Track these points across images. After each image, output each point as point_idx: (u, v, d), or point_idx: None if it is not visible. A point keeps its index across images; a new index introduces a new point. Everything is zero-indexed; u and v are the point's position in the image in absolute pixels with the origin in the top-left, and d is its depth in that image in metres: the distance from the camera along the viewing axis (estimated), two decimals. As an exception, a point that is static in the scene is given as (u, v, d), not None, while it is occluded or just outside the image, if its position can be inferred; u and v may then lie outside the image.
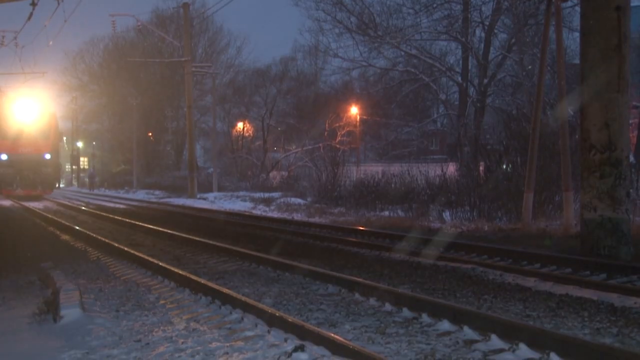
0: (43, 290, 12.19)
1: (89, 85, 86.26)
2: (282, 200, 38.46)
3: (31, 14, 25.92)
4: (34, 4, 25.50)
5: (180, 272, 12.92)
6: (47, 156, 47.75)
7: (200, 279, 12.06)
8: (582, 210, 15.65)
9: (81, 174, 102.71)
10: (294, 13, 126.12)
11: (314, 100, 66.70)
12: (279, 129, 68.42)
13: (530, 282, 12.52)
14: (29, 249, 18.14)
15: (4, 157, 46.83)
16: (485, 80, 46.54)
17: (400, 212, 28.50)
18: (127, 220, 26.27)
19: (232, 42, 78.98)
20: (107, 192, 67.30)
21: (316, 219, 27.64)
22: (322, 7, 50.19)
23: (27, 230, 23.81)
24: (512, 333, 8.22)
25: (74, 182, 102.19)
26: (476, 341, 8.30)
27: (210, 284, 11.60)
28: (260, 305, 9.81)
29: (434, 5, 46.95)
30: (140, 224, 23.98)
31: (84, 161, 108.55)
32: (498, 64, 47.50)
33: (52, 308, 9.99)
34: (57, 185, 51.09)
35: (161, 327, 9.31)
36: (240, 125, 69.91)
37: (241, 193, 47.77)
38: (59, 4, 24.44)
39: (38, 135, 47.18)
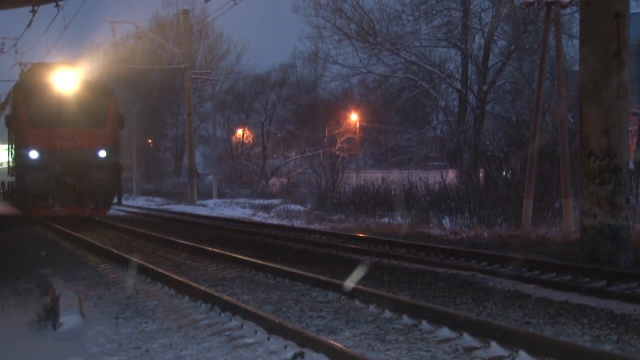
0: (42, 297, 12.17)
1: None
2: (281, 207, 38.44)
3: (31, 21, 25.92)
4: (33, 11, 25.49)
5: (180, 279, 12.91)
6: (102, 153, 28.24)
7: (200, 286, 12.05)
8: (582, 217, 15.65)
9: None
10: (293, 20, 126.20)
11: (314, 106, 66.70)
12: (279, 135, 68.43)
13: (530, 289, 12.51)
14: (28, 255, 18.11)
15: (34, 154, 27.52)
16: (485, 87, 46.57)
17: (400, 219, 28.48)
18: (127, 226, 26.29)
19: (232, 48, 78.92)
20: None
21: (316, 226, 27.63)
22: (321, 14, 50.27)
23: (26, 236, 23.81)
24: (512, 340, 8.20)
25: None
26: (476, 348, 8.29)
27: (210, 290, 11.59)
28: (260, 312, 9.80)
29: (434, 12, 47.00)
30: (139, 230, 23.97)
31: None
32: (497, 70, 47.53)
33: (51, 315, 9.97)
34: (116, 199, 29.67)
35: (161, 334, 9.30)
36: (239, 131, 69.95)
37: (241, 200, 47.73)
38: (58, 11, 24.42)
39: (88, 121, 28.30)
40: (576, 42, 34.87)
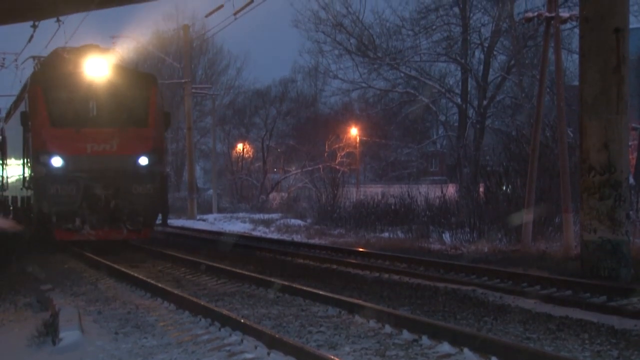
0: (42, 312, 12.15)
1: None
2: (281, 221, 38.40)
3: (32, 35, 26.01)
4: (34, 26, 25.61)
5: (180, 293, 12.90)
6: (144, 160, 22.46)
7: (200, 301, 12.04)
8: (582, 232, 15.63)
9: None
10: (293, 34, 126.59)
11: (314, 121, 66.76)
12: (279, 150, 68.43)
13: (531, 304, 12.50)
14: (27, 269, 18.08)
15: (57, 161, 21.72)
16: (485, 102, 46.63)
17: (400, 234, 28.46)
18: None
19: (232, 63, 79.09)
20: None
21: (316, 240, 27.60)
22: (321, 28, 50.38)
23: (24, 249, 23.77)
24: (512, 355, 8.19)
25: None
26: (476, 364, 8.27)
27: (209, 305, 11.58)
28: (260, 327, 9.78)
29: (433, 27, 47.10)
30: (139, 245, 23.93)
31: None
32: (497, 85, 47.60)
33: (51, 330, 9.96)
34: (161, 218, 24.31)
35: (161, 350, 9.28)
36: (239, 146, 69.97)
37: (241, 214, 47.69)
38: (59, 26, 24.49)
39: (126, 119, 22.55)
40: (576, 57, 34.94)
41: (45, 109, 21.77)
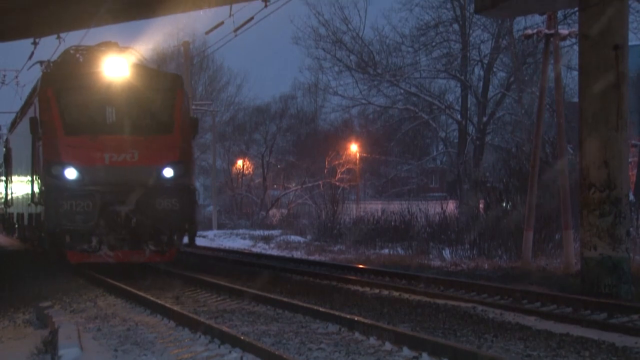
0: (41, 329, 12.13)
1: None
2: (281, 238, 38.38)
3: (32, 52, 26.05)
4: (35, 43, 25.65)
5: (180, 310, 12.87)
6: (169, 172, 20.01)
7: (200, 318, 12.01)
8: (582, 249, 15.63)
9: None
10: (294, 51, 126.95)
11: (314, 137, 66.83)
12: (279, 166, 68.47)
13: (531, 321, 12.48)
14: (27, 285, 18.05)
15: (71, 173, 19.45)
16: (485, 118, 46.67)
17: (400, 250, 28.44)
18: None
19: (232, 80, 79.11)
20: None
21: (316, 257, 27.57)
22: (322, 45, 50.48)
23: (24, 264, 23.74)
24: (513, 373, 8.17)
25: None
26: (477, 381, 8.25)
27: (209, 322, 11.55)
28: (259, 344, 9.76)
29: (433, 44, 47.19)
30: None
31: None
32: (497, 102, 47.65)
33: (50, 347, 9.94)
34: (188, 238, 21.09)
35: (160, 367, 9.25)
36: (240, 162, 70.01)
37: (241, 231, 47.66)
38: (60, 43, 24.55)
39: (149, 125, 20.35)
40: (575, 73, 34.97)
41: (58, 113, 19.47)
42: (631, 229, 18.70)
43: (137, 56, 22.39)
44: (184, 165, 20.07)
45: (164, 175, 19.68)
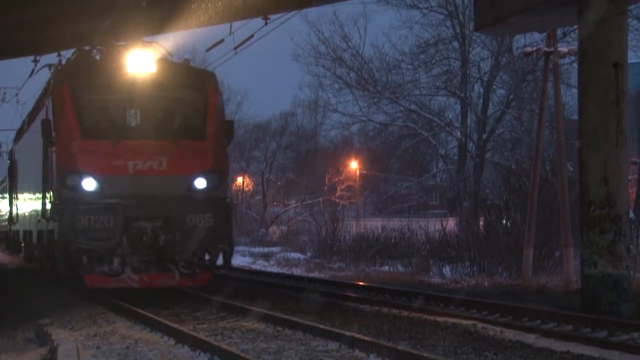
0: (41, 347, 12.10)
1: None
2: (281, 255, 38.34)
3: (33, 70, 26.11)
4: (35, 61, 25.71)
5: (179, 328, 12.85)
6: (201, 183, 17.70)
7: (199, 335, 11.99)
8: (583, 266, 15.62)
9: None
10: (293, 68, 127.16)
11: (314, 154, 66.86)
12: (279, 183, 68.48)
13: (531, 338, 12.45)
14: (26, 303, 18.02)
15: (89, 184, 17.09)
16: (484, 136, 46.70)
17: (400, 267, 28.40)
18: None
19: (233, 97, 79.07)
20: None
21: (316, 274, 27.54)
22: (321, 62, 50.56)
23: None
24: (513, 391, 8.14)
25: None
26: (477, 399, 8.22)
27: (209, 340, 11.53)
28: (259, 362, 9.73)
29: (433, 61, 47.27)
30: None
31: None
32: (497, 119, 47.69)
33: (49, 365, 9.91)
34: (222, 258, 17.98)
35: (159, 385, 9.23)
36: (239, 179, 70.04)
37: (240, 248, 47.55)
38: (60, 60, 24.62)
39: (178, 129, 18.11)
40: (575, 91, 35.00)
41: (75, 115, 17.00)
42: (631, 247, 18.68)
43: (163, 51, 19.13)
44: (218, 175, 17.63)
45: (195, 187, 17.34)
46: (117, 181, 16.88)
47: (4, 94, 44.56)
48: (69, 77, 17.63)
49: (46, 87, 19.77)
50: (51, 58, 25.15)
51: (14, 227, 27.86)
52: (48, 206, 18.15)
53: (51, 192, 17.88)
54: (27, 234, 23.38)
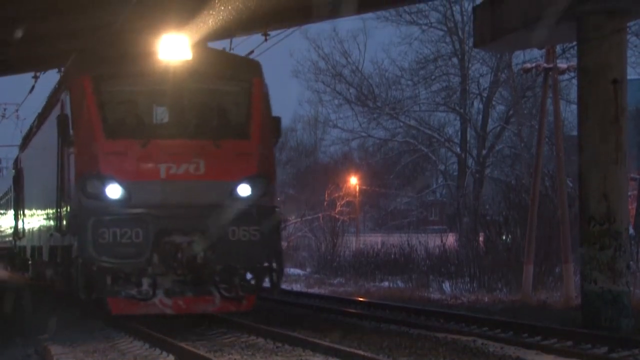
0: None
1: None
2: (281, 270, 38.28)
3: (33, 86, 26.18)
4: (36, 77, 25.78)
5: (179, 344, 12.82)
6: (245, 190, 14.79)
7: (199, 351, 11.97)
8: (583, 282, 15.61)
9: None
10: (293, 84, 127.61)
11: (314, 170, 66.88)
12: (278, 199, 68.45)
13: (532, 354, 12.43)
14: (25, 318, 17.99)
15: (113, 191, 14.34)
16: (484, 151, 46.80)
17: (400, 283, 28.38)
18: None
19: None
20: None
21: (315, 290, 27.51)
22: (321, 78, 50.78)
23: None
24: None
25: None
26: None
27: (208, 356, 11.51)
28: (259, 378, 9.70)
29: (432, 77, 47.44)
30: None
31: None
32: (496, 135, 47.81)
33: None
34: (270, 279, 15.24)
35: (159, 401, 9.20)
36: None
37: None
38: (61, 77, 24.71)
39: (217, 127, 15.36)
40: (574, 107, 35.11)
41: (97, 109, 14.55)
42: (631, 263, 18.68)
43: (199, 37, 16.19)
44: (264, 181, 14.91)
45: (238, 194, 14.64)
46: (146, 188, 14.33)
47: (4, 110, 44.58)
48: (90, 66, 15.04)
49: (62, 80, 17.09)
50: (52, 74, 25.25)
51: (20, 243, 25.36)
52: (64, 218, 15.72)
53: (68, 202, 15.38)
54: (36, 250, 20.96)
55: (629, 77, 16.15)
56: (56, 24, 19.94)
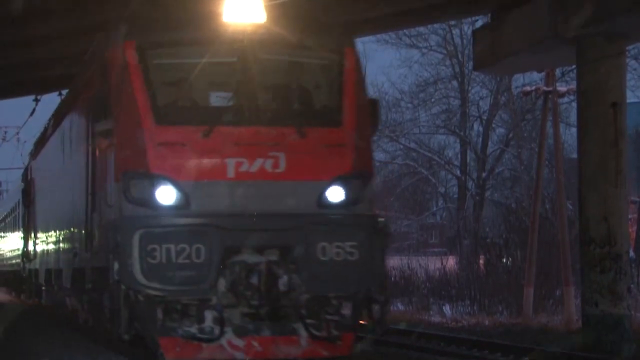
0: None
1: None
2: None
3: (34, 109, 26.23)
4: (36, 100, 25.83)
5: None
6: (337, 193, 10.76)
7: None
8: (583, 305, 15.58)
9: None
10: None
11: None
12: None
13: (532, 378, 12.40)
14: (24, 339, 17.91)
15: (168, 193, 10.46)
16: (484, 174, 46.78)
17: (400, 306, 28.32)
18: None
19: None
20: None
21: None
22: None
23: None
24: None
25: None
26: None
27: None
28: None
29: (432, 100, 47.50)
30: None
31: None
32: (496, 157, 47.81)
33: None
34: (373, 310, 10.96)
35: None
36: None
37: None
38: (61, 100, 24.76)
39: (302, 112, 11.46)
40: (574, 130, 35.18)
41: (144, 88, 10.91)
42: (632, 286, 18.64)
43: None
44: (362, 182, 11.25)
45: (327, 200, 10.97)
46: (210, 190, 10.77)
47: (5, 133, 44.66)
48: (135, 32, 11.29)
49: (92, 54, 13.36)
50: (52, 97, 25.30)
51: (31, 266, 22.09)
52: (96, 232, 12.36)
53: (103, 211, 11.79)
54: (53, 274, 17.49)
55: (628, 101, 16.21)
56: (58, 47, 20.00)
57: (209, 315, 10.47)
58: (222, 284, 10.43)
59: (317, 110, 11.74)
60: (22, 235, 23.95)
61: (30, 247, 21.84)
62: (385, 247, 11.64)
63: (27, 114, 27.04)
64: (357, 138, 11.26)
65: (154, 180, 10.58)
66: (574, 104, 28.66)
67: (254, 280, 10.41)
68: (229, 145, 10.73)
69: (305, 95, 11.83)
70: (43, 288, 20.12)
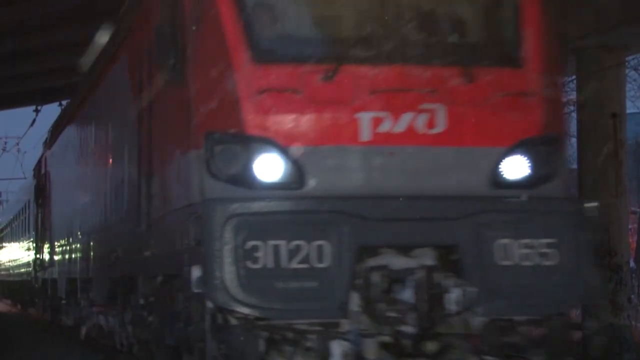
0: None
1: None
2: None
3: (34, 120, 26.28)
4: (37, 110, 25.88)
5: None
6: (520, 165, 7.36)
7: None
8: (584, 316, 15.53)
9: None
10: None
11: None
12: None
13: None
14: (23, 352, 17.85)
15: (273, 165, 7.06)
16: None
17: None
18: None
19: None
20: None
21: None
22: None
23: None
24: None
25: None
26: None
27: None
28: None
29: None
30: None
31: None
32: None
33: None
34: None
35: None
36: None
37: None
38: (62, 110, 24.82)
39: (468, 46, 7.64)
40: (573, 140, 35.14)
41: (237, 9, 7.58)
42: (632, 297, 18.60)
43: None
44: (556, 149, 8.00)
45: (506, 176, 7.70)
46: (335, 160, 7.49)
47: (5, 143, 44.68)
48: None
49: None
50: (52, 107, 25.33)
51: (45, 275, 19.50)
52: (156, 225, 9.32)
53: (170, 193, 8.72)
54: (78, 284, 14.69)
55: (628, 111, 16.20)
56: (58, 58, 20.02)
57: (337, 349, 7.21)
58: (356, 299, 7.20)
59: (489, 45, 8.17)
60: (33, 239, 21.08)
61: (45, 254, 18.93)
62: (599, 247, 8.88)
63: (28, 124, 27.05)
64: (546, 85, 7.94)
65: (252, 145, 7.39)
66: (574, 115, 28.67)
67: (407, 296, 7.20)
68: (362, 92, 7.49)
69: (470, 22, 8.26)
70: (63, 301, 17.07)
